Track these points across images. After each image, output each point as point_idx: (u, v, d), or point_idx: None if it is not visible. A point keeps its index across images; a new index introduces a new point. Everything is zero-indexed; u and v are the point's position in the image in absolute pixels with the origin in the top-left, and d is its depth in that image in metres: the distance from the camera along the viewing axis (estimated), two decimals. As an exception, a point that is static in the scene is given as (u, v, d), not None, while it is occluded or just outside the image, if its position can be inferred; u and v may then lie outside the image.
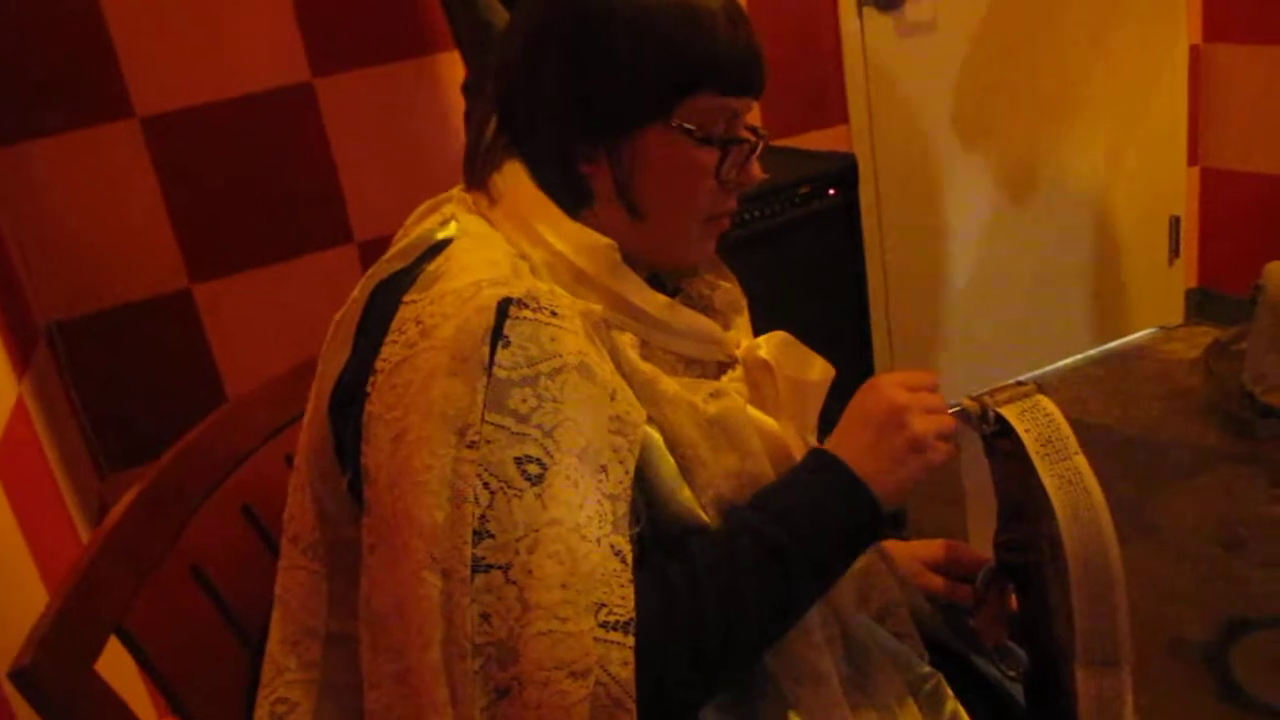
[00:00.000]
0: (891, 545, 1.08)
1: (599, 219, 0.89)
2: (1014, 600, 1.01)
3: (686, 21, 0.86)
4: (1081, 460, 0.87)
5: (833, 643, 0.91)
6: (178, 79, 2.05)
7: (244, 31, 2.08)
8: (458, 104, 1.91)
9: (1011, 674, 1.03)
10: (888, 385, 0.89)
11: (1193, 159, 3.20)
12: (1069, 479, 0.86)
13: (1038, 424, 0.88)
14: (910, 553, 1.10)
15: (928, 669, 0.97)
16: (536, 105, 0.89)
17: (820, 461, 0.87)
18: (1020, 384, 0.93)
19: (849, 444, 0.87)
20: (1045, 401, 0.90)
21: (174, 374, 2.16)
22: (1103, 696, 0.90)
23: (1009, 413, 0.89)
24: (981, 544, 1.03)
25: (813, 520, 0.84)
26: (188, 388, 2.16)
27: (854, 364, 2.37)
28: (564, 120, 0.88)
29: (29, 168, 1.96)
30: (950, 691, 0.97)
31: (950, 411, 0.91)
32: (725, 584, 0.80)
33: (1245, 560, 2.25)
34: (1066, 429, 0.88)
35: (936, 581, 1.08)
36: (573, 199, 0.89)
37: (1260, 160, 3.07)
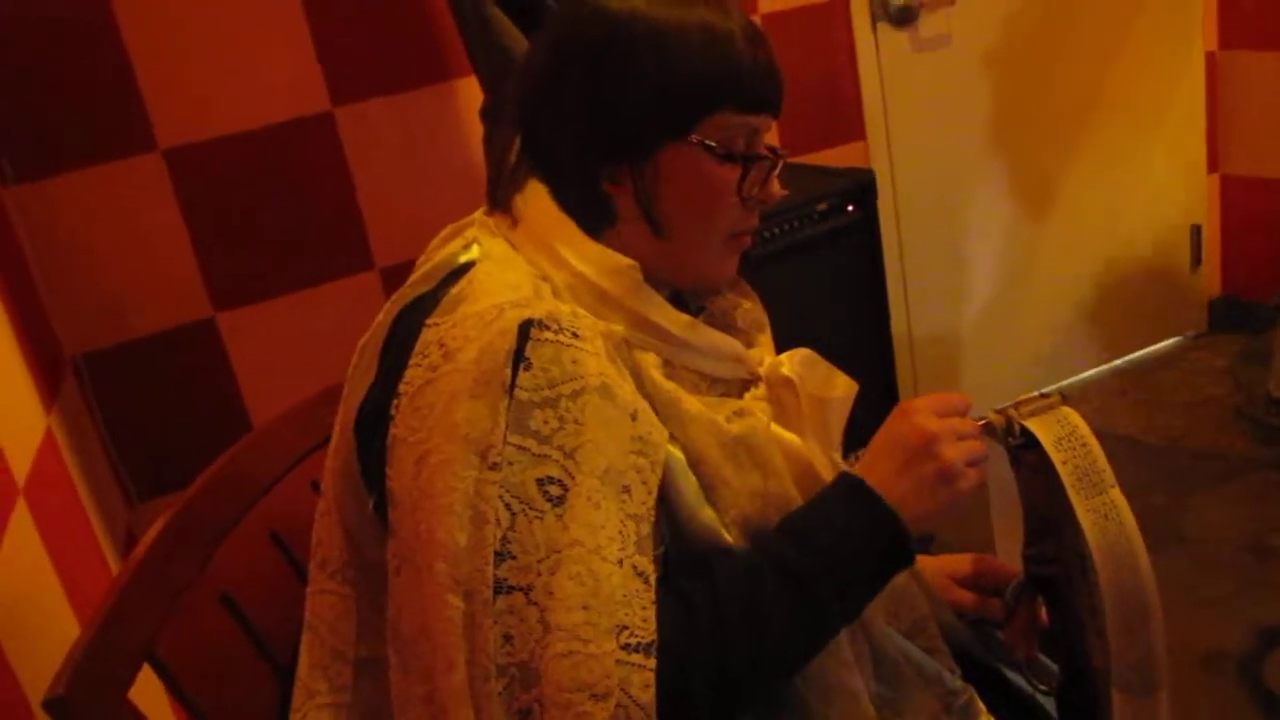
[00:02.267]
0: (920, 561, 1.07)
1: (622, 238, 0.90)
2: (1044, 613, 1.01)
3: (706, 40, 0.87)
4: (1117, 494, 0.86)
5: (862, 660, 0.90)
6: (200, 112, 2.07)
7: (264, 63, 2.10)
8: (477, 129, 1.92)
9: (1043, 688, 1.02)
10: (919, 412, 0.88)
11: (1212, 166, 3.18)
12: (1105, 514, 0.85)
13: (1074, 454, 0.87)
14: (939, 568, 1.10)
15: (959, 684, 0.96)
16: (559, 127, 0.90)
17: (850, 487, 0.86)
18: (1044, 395, 0.92)
19: (879, 471, 0.86)
20: (1073, 416, 0.89)
21: (200, 403, 2.17)
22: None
23: (1042, 434, 0.88)
24: (1009, 557, 1.03)
25: (840, 547, 0.83)
26: (213, 416, 2.17)
27: (877, 379, 2.36)
28: (587, 141, 0.89)
29: (54, 202, 1.98)
30: (983, 706, 0.96)
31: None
32: (750, 609, 0.79)
33: (1278, 568, 2.22)
34: (1103, 459, 0.87)
35: (966, 596, 1.08)
36: (596, 219, 0.90)
37: (1281, 166, 3.05)
